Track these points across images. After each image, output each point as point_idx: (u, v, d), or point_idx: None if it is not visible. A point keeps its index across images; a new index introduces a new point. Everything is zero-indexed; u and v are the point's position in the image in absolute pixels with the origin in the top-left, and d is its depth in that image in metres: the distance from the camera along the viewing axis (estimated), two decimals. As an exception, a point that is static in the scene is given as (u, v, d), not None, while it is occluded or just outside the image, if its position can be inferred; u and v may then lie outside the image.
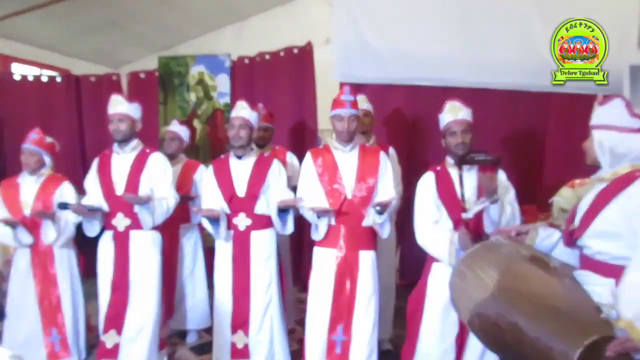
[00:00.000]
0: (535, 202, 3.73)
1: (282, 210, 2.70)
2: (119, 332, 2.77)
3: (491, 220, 2.23)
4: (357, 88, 4.05)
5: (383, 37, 4.25)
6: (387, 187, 2.60)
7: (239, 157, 2.85)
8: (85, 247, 3.11)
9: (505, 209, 2.23)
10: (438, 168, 2.45)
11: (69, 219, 2.90)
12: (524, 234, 1.89)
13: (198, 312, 3.59)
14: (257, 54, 4.90)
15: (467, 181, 2.32)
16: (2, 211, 2.91)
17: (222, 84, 5.00)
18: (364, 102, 3.34)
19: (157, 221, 2.81)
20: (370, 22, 4.27)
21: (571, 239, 1.72)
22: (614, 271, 1.57)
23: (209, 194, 2.87)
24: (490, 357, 2.19)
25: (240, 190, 2.80)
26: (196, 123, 5.02)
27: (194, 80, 5.05)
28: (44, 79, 5.32)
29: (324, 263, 2.59)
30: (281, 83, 4.75)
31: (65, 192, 2.97)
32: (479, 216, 2.27)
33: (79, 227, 2.91)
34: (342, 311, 2.53)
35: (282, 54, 4.76)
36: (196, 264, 3.61)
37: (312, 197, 2.61)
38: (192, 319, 3.59)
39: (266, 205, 2.80)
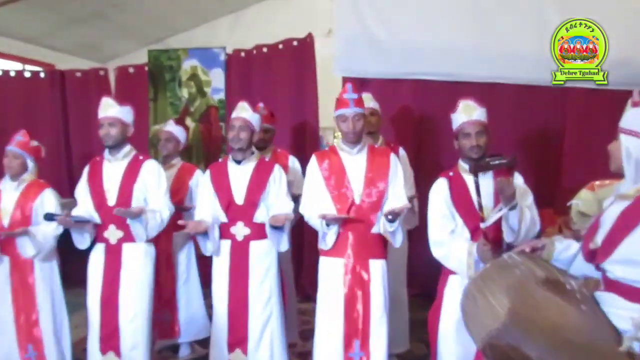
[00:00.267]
0: (552, 205, 3.71)
1: (277, 227, 2.67)
2: (118, 353, 2.77)
3: (510, 227, 2.20)
4: (361, 83, 4.06)
5: (389, 28, 4.23)
6: (399, 192, 2.58)
7: (238, 162, 2.83)
8: (73, 254, 3.10)
9: (525, 214, 2.20)
10: (451, 174, 2.41)
11: (48, 231, 2.87)
12: (539, 250, 1.87)
13: (193, 323, 3.57)
14: (254, 46, 4.89)
15: (483, 188, 2.31)
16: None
17: (217, 79, 5.00)
18: (369, 101, 3.32)
19: (151, 234, 2.80)
20: (375, 11, 4.25)
21: (592, 257, 1.68)
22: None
23: (203, 201, 2.86)
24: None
25: (239, 197, 2.78)
26: (189, 121, 5.02)
27: (186, 75, 5.05)
28: (27, 74, 5.32)
29: (332, 274, 2.57)
30: (280, 78, 4.74)
31: (46, 200, 2.93)
32: (497, 224, 2.24)
33: (68, 237, 2.89)
34: (356, 325, 2.52)
35: (280, 46, 4.76)
36: (190, 273, 3.59)
37: (318, 203, 2.60)
38: (185, 331, 3.58)
39: (266, 213, 2.78)
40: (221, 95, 5.00)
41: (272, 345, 2.78)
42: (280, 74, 4.75)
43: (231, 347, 2.77)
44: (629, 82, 3.30)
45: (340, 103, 2.60)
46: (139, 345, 2.79)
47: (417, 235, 4.05)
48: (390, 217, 2.42)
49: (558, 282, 1.68)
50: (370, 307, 2.51)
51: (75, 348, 3.14)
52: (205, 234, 2.72)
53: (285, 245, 2.76)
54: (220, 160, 2.99)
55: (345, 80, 4.15)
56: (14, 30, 5.65)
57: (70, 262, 3.13)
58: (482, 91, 3.67)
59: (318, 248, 2.66)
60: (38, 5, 5.10)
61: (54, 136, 5.13)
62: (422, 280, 3.94)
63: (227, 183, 2.81)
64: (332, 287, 2.56)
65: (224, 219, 2.81)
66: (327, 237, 2.56)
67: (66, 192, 4.02)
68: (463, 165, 2.40)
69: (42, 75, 5.33)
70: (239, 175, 2.82)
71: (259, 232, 2.77)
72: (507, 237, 2.23)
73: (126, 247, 2.80)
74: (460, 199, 2.33)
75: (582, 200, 2.85)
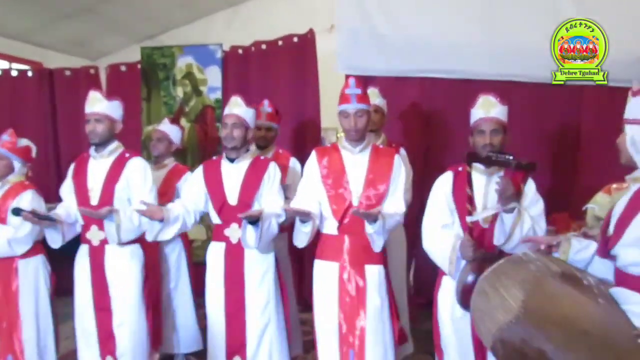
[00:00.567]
0: (567, 209, 3.72)
1: (253, 222, 2.63)
2: (115, 358, 2.80)
3: (502, 231, 2.22)
4: (364, 81, 4.08)
5: (394, 22, 4.26)
6: (397, 197, 2.60)
7: (232, 161, 2.84)
8: (60, 262, 3.12)
9: (524, 221, 2.20)
10: (460, 168, 2.44)
11: (14, 224, 2.86)
12: (555, 247, 1.89)
13: (185, 333, 3.59)
14: (252, 43, 4.93)
15: (480, 183, 2.33)
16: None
17: (213, 77, 5.03)
18: (375, 97, 3.34)
19: (125, 237, 2.77)
20: (379, 5, 4.29)
21: (605, 248, 1.72)
22: None
23: (188, 192, 2.88)
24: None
25: (232, 197, 2.78)
26: (184, 121, 5.04)
27: (181, 73, 5.08)
28: (14, 73, 5.37)
29: (326, 278, 2.59)
30: (280, 76, 4.77)
31: (23, 201, 2.91)
32: (493, 225, 2.27)
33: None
34: (352, 334, 2.52)
35: (280, 43, 4.79)
36: (180, 279, 3.59)
37: (307, 200, 2.61)
38: (179, 342, 3.60)
39: None
40: (218, 95, 5.03)
41: (271, 352, 2.79)
42: (280, 71, 4.78)
43: (229, 355, 2.78)
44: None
45: (342, 98, 2.61)
46: (127, 353, 2.80)
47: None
48: (367, 217, 2.38)
49: (575, 276, 1.70)
50: (366, 315, 2.51)
51: (64, 361, 3.16)
52: (160, 222, 2.69)
53: (254, 243, 2.65)
54: (214, 157, 2.99)
55: (348, 77, 4.19)
56: (0, 27, 5.70)
57: (59, 270, 3.15)
58: (493, 89, 3.67)
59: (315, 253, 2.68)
60: (25, 0, 5.15)
61: (42, 137, 5.16)
62: (429, 288, 3.95)
63: (220, 182, 2.81)
64: (326, 292, 2.58)
65: (217, 220, 2.83)
66: (302, 234, 2.55)
67: (55, 195, 4.03)
68: (474, 163, 2.42)
69: (29, 74, 5.38)
70: (233, 174, 2.82)
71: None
72: (498, 239, 2.26)
73: (109, 249, 2.81)
74: (461, 195, 2.35)
75: (598, 204, 2.87)
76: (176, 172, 3.62)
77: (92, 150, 2.88)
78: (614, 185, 2.87)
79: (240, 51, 4.99)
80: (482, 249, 2.23)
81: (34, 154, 3.12)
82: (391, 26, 4.26)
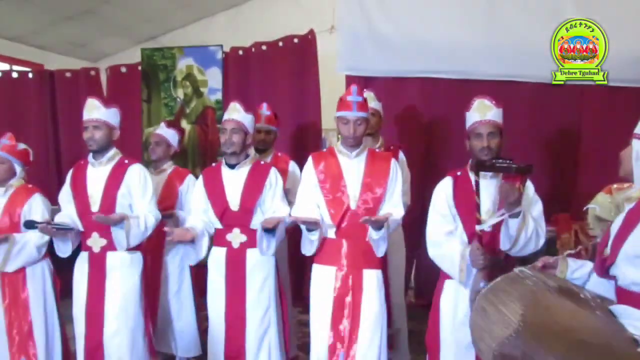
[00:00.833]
0: (568, 209, 3.73)
1: (269, 230, 2.68)
2: None
3: (509, 235, 2.22)
4: (365, 82, 4.11)
5: (395, 23, 4.27)
6: (395, 200, 2.61)
7: (232, 166, 2.86)
8: (63, 265, 3.13)
9: (528, 225, 2.21)
10: (458, 173, 2.45)
11: (30, 239, 2.89)
12: (551, 267, 1.90)
13: (186, 338, 3.59)
14: (252, 44, 4.93)
15: (486, 190, 2.34)
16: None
17: (214, 78, 5.03)
18: (371, 100, 3.35)
19: (133, 242, 2.79)
20: (380, 5, 4.29)
21: (603, 267, 1.72)
22: None
23: (195, 207, 2.89)
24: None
25: (234, 203, 2.80)
26: (184, 123, 5.05)
27: (181, 74, 5.09)
28: (14, 75, 5.38)
29: (323, 282, 2.60)
30: (280, 77, 4.77)
31: (35, 206, 2.95)
32: (497, 230, 2.28)
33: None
34: (342, 336, 2.54)
35: (280, 44, 4.79)
36: (182, 285, 3.59)
37: (310, 206, 2.62)
38: (180, 346, 3.60)
39: (263, 219, 2.80)
40: (218, 96, 5.04)
41: (270, 356, 2.81)
42: (280, 73, 4.78)
43: (228, 359, 2.80)
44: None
45: (342, 105, 2.61)
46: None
47: (425, 245, 4.09)
48: (371, 220, 2.40)
49: (571, 290, 1.73)
50: (359, 318, 2.52)
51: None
52: (192, 242, 2.74)
53: (271, 251, 2.75)
54: (214, 164, 3.00)
55: (349, 78, 4.21)
56: (0, 28, 5.72)
57: (62, 272, 3.16)
58: (494, 90, 3.69)
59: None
60: (25, 2, 5.17)
61: (42, 139, 5.19)
62: (430, 290, 3.95)
63: (221, 189, 2.83)
64: (322, 295, 2.59)
65: (218, 225, 2.84)
66: (306, 243, 2.58)
67: (56, 197, 4.05)
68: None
69: (30, 75, 5.39)
70: (234, 180, 2.84)
71: (256, 239, 2.77)
72: (503, 244, 2.27)
73: (110, 256, 2.82)
74: (462, 200, 2.35)
75: (599, 205, 2.88)
76: (177, 176, 3.62)
77: (90, 157, 2.89)
78: (615, 186, 2.88)
79: (240, 52, 4.99)
80: (489, 254, 2.22)
81: (31, 157, 3.14)
82: (391, 27, 4.26)
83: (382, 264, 2.65)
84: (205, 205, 2.87)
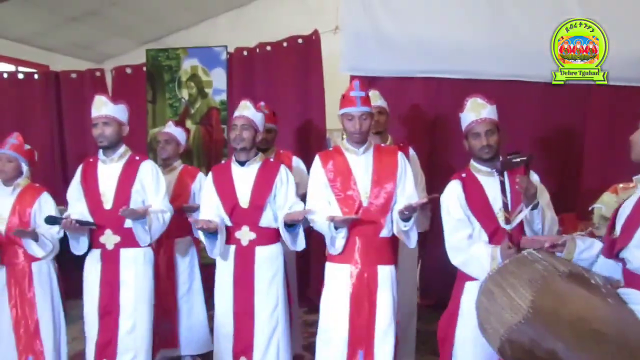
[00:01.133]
0: (574, 209, 3.72)
1: (290, 225, 2.70)
2: None
3: (534, 228, 2.24)
4: (370, 82, 4.10)
5: (399, 23, 4.27)
6: (409, 192, 2.60)
7: (242, 164, 2.86)
8: (66, 265, 3.15)
9: (546, 213, 2.24)
10: (463, 175, 2.43)
11: (53, 233, 2.92)
12: (559, 246, 1.89)
13: (195, 335, 3.61)
14: (256, 44, 4.93)
15: (491, 186, 2.33)
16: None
17: (218, 79, 5.04)
18: (377, 99, 3.35)
19: (154, 237, 2.83)
20: (384, 6, 4.29)
21: (612, 250, 1.72)
22: None
23: (207, 204, 2.89)
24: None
25: (243, 200, 2.81)
26: (189, 124, 5.06)
27: (186, 75, 5.10)
28: (20, 76, 5.41)
29: (338, 280, 2.59)
30: (284, 77, 4.78)
31: (44, 204, 2.98)
32: (519, 227, 2.26)
33: (63, 246, 2.94)
34: (361, 334, 2.53)
35: (285, 44, 4.79)
36: (193, 282, 3.63)
37: (324, 205, 2.62)
38: (187, 344, 3.61)
39: (272, 217, 2.82)
40: (223, 96, 5.05)
41: (278, 355, 2.81)
42: (284, 73, 4.79)
43: (236, 356, 2.80)
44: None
45: (346, 101, 2.61)
46: (138, 356, 2.82)
47: (431, 243, 4.09)
48: (406, 212, 2.40)
49: (582, 276, 1.71)
50: (376, 316, 2.52)
51: (72, 362, 3.19)
52: (214, 234, 2.73)
53: (302, 243, 2.76)
54: (223, 161, 3.01)
55: (353, 78, 4.20)
56: (6, 30, 5.76)
57: (65, 273, 3.17)
58: (499, 89, 3.70)
59: (326, 254, 2.68)
60: (31, 4, 5.19)
61: (48, 140, 5.22)
62: (436, 290, 3.95)
63: (230, 186, 2.84)
64: (338, 293, 2.58)
65: (228, 222, 2.85)
66: (337, 242, 2.57)
67: (61, 198, 4.06)
68: (476, 166, 2.43)
69: (36, 76, 5.41)
70: (243, 177, 2.84)
71: (264, 236, 2.80)
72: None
73: (124, 253, 2.83)
74: (476, 201, 2.34)
75: (604, 204, 2.88)
76: (188, 173, 3.66)
77: (100, 154, 2.89)
78: (621, 185, 2.88)
79: (245, 53, 5.00)
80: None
81: (36, 157, 3.16)
82: (395, 27, 4.26)
83: (395, 260, 2.65)
84: (216, 201, 2.87)
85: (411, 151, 3.36)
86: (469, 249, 2.31)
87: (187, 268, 3.60)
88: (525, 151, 2.29)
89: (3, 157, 2.98)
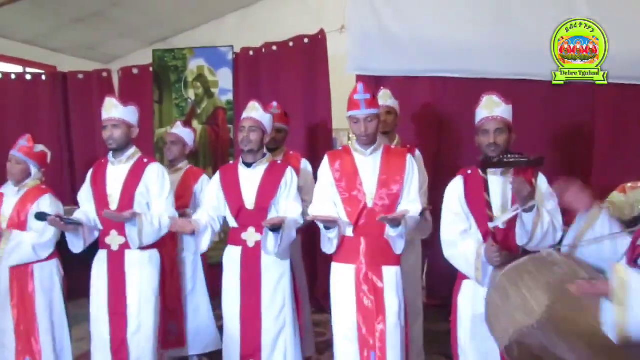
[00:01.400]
0: (582, 209, 3.69)
1: (275, 229, 2.67)
2: None
3: (524, 230, 2.21)
4: (376, 81, 4.10)
5: (405, 22, 4.26)
6: (412, 196, 2.60)
7: (249, 165, 2.87)
8: (73, 265, 3.16)
9: (543, 218, 2.20)
10: (469, 172, 2.44)
11: (26, 238, 2.91)
12: None
13: (200, 335, 3.62)
14: (263, 44, 4.94)
15: (499, 186, 2.33)
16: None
17: (224, 79, 5.06)
18: (387, 98, 3.34)
19: (146, 240, 2.80)
20: (390, 5, 4.28)
21: (633, 256, 1.66)
22: None
23: (208, 200, 2.91)
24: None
25: (249, 202, 2.81)
26: (195, 124, 5.07)
27: (192, 75, 5.12)
28: (28, 77, 5.44)
29: (343, 281, 2.60)
30: (291, 77, 4.78)
31: (43, 205, 2.97)
32: (511, 226, 2.27)
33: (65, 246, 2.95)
34: (372, 336, 2.53)
35: (291, 44, 4.80)
36: (197, 282, 3.63)
37: (326, 205, 2.63)
38: (193, 344, 3.62)
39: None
40: (229, 96, 5.06)
41: (285, 356, 2.81)
42: (291, 73, 4.79)
43: (244, 358, 2.81)
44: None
45: (351, 104, 2.61)
46: (143, 357, 2.83)
47: (438, 244, 4.08)
48: (391, 220, 2.40)
49: None
50: (385, 317, 2.52)
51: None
52: (193, 234, 2.76)
53: (274, 250, 2.70)
54: (231, 162, 3.02)
55: (359, 78, 4.20)
56: (14, 31, 5.79)
57: (72, 273, 3.19)
58: (506, 88, 3.65)
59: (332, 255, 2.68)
60: (38, 6, 5.22)
61: (56, 140, 5.24)
62: (443, 290, 3.94)
63: (237, 187, 2.84)
64: (344, 295, 2.59)
65: (234, 224, 2.86)
66: (328, 241, 2.57)
67: (68, 198, 4.10)
68: None
69: (43, 77, 5.45)
70: (250, 179, 2.85)
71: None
72: (520, 240, 2.25)
73: (129, 254, 2.84)
74: (475, 198, 2.34)
75: (612, 204, 2.85)
76: (192, 175, 3.65)
77: (110, 156, 2.91)
78: (629, 184, 2.86)
79: (251, 53, 5.01)
80: (505, 251, 2.20)
81: (49, 159, 3.17)
82: (402, 26, 4.25)
83: (400, 260, 2.64)
84: (217, 202, 2.88)
85: (418, 153, 3.34)
86: (459, 243, 2.33)
87: (190, 268, 3.61)
88: (533, 154, 2.26)
89: (13, 159, 3.00)
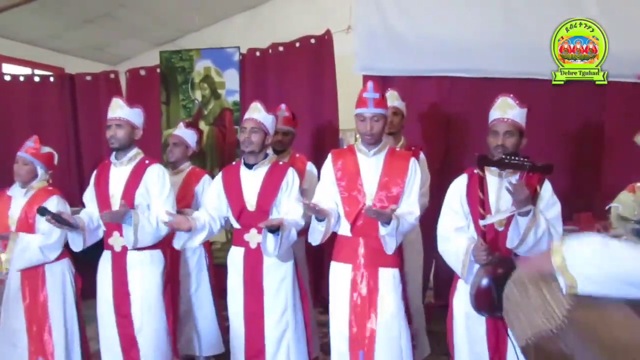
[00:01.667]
0: (591, 208, 3.67)
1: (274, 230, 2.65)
2: None
3: (517, 233, 2.20)
4: (382, 81, 4.09)
5: (412, 22, 4.25)
6: (411, 200, 2.59)
7: (250, 166, 2.86)
8: (83, 266, 3.18)
9: (540, 225, 2.17)
10: (475, 171, 2.44)
11: (33, 240, 2.92)
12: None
13: (206, 337, 3.62)
14: (269, 45, 4.94)
15: (493, 186, 2.32)
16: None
17: (231, 80, 5.06)
18: (394, 99, 3.33)
19: (142, 238, 2.78)
20: (396, 5, 4.28)
21: None
22: None
23: (209, 200, 2.91)
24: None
25: (251, 203, 2.81)
26: (202, 125, 5.09)
27: (199, 76, 5.13)
28: (36, 79, 5.48)
29: (340, 280, 2.61)
30: (297, 78, 4.78)
31: (50, 206, 2.95)
32: (507, 229, 2.27)
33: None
34: (362, 335, 2.54)
35: (297, 44, 4.80)
36: (201, 283, 3.63)
37: (328, 203, 2.63)
38: (201, 345, 3.63)
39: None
40: (236, 97, 5.07)
41: (289, 357, 2.81)
42: (297, 73, 4.79)
43: (249, 359, 2.81)
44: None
45: (359, 102, 2.61)
46: (148, 356, 2.84)
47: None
48: (372, 215, 2.38)
49: None
50: (377, 317, 2.52)
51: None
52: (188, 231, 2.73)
53: (275, 252, 2.66)
54: (234, 163, 3.02)
55: (366, 78, 4.20)
56: (22, 33, 5.84)
57: (84, 272, 3.21)
58: (514, 88, 3.65)
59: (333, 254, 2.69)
60: (45, 7, 5.26)
61: (64, 142, 5.27)
62: (449, 290, 3.92)
63: (238, 188, 2.84)
64: (339, 293, 2.60)
65: (236, 225, 2.86)
66: (316, 232, 2.56)
67: (76, 200, 4.11)
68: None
69: (51, 79, 5.48)
70: (251, 180, 2.84)
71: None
72: (511, 242, 2.24)
73: (131, 255, 2.85)
74: (473, 196, 2.34)
75: (622, 204, 2.83)
76: (193, 176, 3.65)
77: (112, 157, 2.93)
78: (639, 184, 2.84)
79: (257, 53, 5.01)
80: (496, 252, 2.21)
81: (55, 161, 3.18)
82: (408, 26, 4.24)
83: (399, 263, 2.64)
84: (218, 202, 2.88)
85: (421, 155, 3.34)
86: (452, 239, 2.35)
87: (194, 268, 3.61)
88: (542, 154, 2.25)
89: (20, 160, 3.02)
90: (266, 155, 2.92)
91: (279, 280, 2.82)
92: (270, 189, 2.81)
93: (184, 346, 3.60)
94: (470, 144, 4.12)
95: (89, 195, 2.98)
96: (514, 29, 4.04)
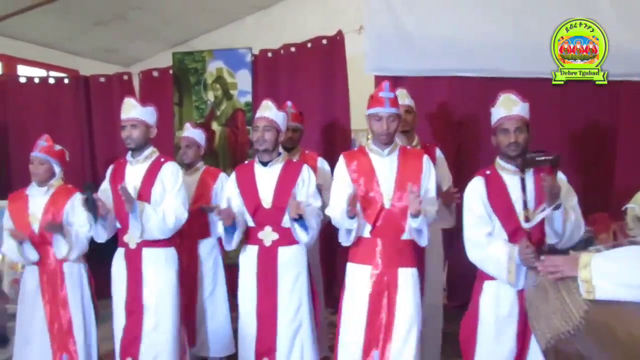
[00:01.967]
0: (606, 209, 3.63)
1: (298, 220, 2.66)
2: None
3: (554, 229, 2.20)
4: (394, 81, 4.07)
5: (423, 22, 4.24)
6: (430, 197, 2.58)
7: (265, 164, 2.87)
8: (97, 266, 3.20)
9: (569, 215, 2.20)
10: (488, 172, 2.42)
11: (80, 232, 2.99)
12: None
13: (219, 337, 3.63)
14: (281, 46, 4.95)
15: (516, 187, 2.31)
16: (10, 226, 3.03)
17: (243, 81, 5.07)
18: (405, 98, 3.32)
19: (150, 233, 2.79)
20: (407, 5, 4.27)
21: None
22: None
23: (227, 201, 2.91)
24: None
25: (266, 201, 2.82)
26: (215, 126, 5.11)
27: (211, 77, 5.15)
28: (51, 80, 5.54)
29: (358, 281, 2.59)
30: (309, 78, 4.79)
31: (77, 204, 3.02)
32: (539, 226, 2.24)
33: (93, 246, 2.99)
34: (377, 335, 2.52)
35: (309, 45, 4.80)
36: (217, 284, 3.65)
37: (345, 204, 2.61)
38: (213, 346, 3.64)
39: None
40: (248, 98, 5.08)
41: (302, 355, 2.81)
42: (309, 74, 4.79)
43: (258, 357, 2.81)
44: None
45: (374, 101, 2.59)
46: (161, 356, 2.84)
47: (458, 244, 4.04)
48: (413, 212, 2.38)
49: None
50: (394, 318, 2.51)
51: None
52: (232, 226, 2.74)
53: (310, 239, 2.70)
54: (247, 162, 3.03)
55: (378, 78, 4.19)
56: (36, 36, 5.91)
57: (96, 273, 3.23)
58: (525, 87, 3.62)
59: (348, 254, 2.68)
60: (59, 10, 5.31)
61: (78, 143, 5.32)
62: (463, 291, 3.89)
63: (253, 186, 2.85)
64: (357, 294, 2.58)
65: (251, 223, 2.86)
66: (346, 232, 2.55)
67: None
68: (501, 164, 2.41)
69: (66, 81, 5.54)
70: (266, 178, 2.85)
71: (287, 237, 2.79)
72: (550, 238, 2.23)
73: (146, 252, 2.87)
74: (498, 199, 2.32)
75: (638, 204, 2.79)
76: (210, 174, 3.68)
77: (128, 155, 2.95)
78: (656, 184, 2.79)
79: (269, 54, 5.02)
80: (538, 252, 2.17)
81: (67, 157, 3.21)
82: (419, 26, 4.23)
83: (418, 262, 2.63)
84: (237, 200, 2.88)
85: (438, 152, 3.31)
86: (487, 246, 2.30)
87: (210, 270, 3.62)
88: (551, 150, 2.25)
89: (35, 160, 3.05)
90: (279, 153, 2.92)
91: (294, 277, 2.82)
92: (286, 186, 2.81)
93: (198, 348, 3.61)
94: (481, 142, 4.10)
95: (104, 194, 2.93)
96: (524, 29, 4.01)
